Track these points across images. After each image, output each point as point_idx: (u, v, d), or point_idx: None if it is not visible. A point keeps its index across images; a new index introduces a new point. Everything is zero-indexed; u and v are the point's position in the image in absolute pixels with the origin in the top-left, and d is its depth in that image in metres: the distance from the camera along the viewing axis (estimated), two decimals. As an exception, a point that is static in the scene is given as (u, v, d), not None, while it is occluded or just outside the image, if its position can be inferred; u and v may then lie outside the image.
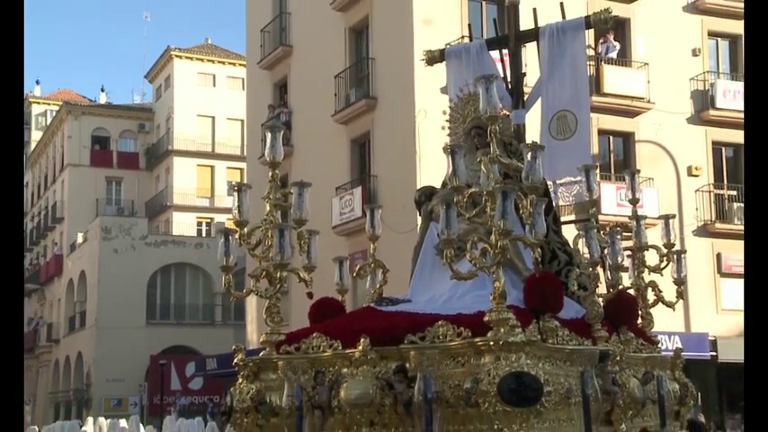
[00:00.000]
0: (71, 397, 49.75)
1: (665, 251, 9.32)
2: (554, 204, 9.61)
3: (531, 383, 6.18)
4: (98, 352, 45.85)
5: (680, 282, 9.36)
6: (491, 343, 6.33)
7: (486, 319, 6.43)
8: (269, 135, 8.09)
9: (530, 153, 6.63)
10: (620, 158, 28.07)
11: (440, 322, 6.76)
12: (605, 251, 8.68)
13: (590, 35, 23.15)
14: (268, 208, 7.96)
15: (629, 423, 7.94)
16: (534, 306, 7.09)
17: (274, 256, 7.66)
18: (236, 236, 7.80)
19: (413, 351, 6.55)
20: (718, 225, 28.60)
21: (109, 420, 29.89)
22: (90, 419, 32.95)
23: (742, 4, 29.49)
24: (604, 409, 7.62)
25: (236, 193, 8.07)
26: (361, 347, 6.79)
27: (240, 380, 7.63)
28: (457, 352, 6.58)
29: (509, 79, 10.00)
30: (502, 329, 6.33)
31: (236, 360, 7.72)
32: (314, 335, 7.45)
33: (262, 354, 7.68)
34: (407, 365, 6.53)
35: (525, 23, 10.12)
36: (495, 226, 6.31)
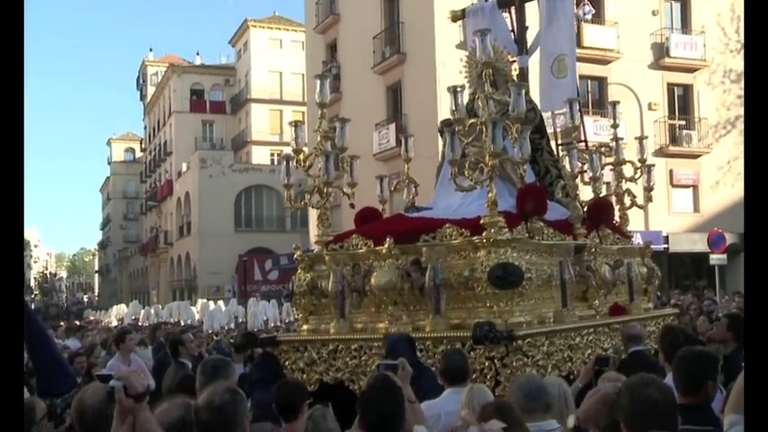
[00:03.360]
0: (183, 284, 50.64)
1: (638, 165, 9.18)
2: (553, 130, 9.42)
3: (514, 271, 6.04)
4: (201, 252, 46.55)
5: (649, 188, 9.28)
6: (484, 240, 6.19)
7: (481, 222, 6.28)
8: (318, 82, 7.98)
9: (515, 90, 6.37)
10: (596, 98, 27.67)
11: (447, 225, 6.61)
12: (585, 166, 8.51)
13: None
14: (318, 138, 7.83)
15: (603, 299, 7.85)
16: (523, 211, 6.93)
17: (322, 175, 7.55)
18: (294, 161, 7.68)
19: (425, 248, 6.44)
20: (671, 148, 28.44)
21: (210, 301, 30.48)
22: (199, 301, 33.64)
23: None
24: (580, 289, 7.51)
25: (293, 129, 7.97)
26: (387, 245, 6.68)
27: (299, 270, 7.58)
28: (459, 248, 6.44)
29: (515, 32, 9.68)
30: (492, 230, 6.18)
31: (295, 255, 7.67)
32: (353, 236, 7.36)
33: (315, 251, 7.61)
34: (421, 259, 6.43)
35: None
36: (488, 148, 6.11)
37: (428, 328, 6.31)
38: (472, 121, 6.42)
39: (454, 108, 6.37)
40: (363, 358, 6.57)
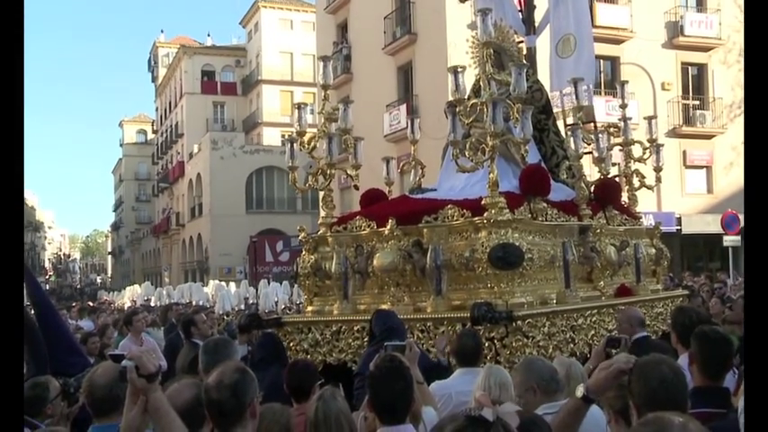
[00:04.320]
0: (195, 266, 50.87)
1: (647, 145, 9.12)
2: (561, 110, 9.35)
3: (514, 251, 6.03)
4: (212, 233, 46.77)
5: (659, 169, 9.21)
6: (485, 221, 6.18)
7: (482, 202, 6.28)
8: (321, 64, 8.00)
9: (515, 70, 6.33)
10: (609, 78, 27.38)
11: (449, 206, 6.60)
12: (591, 146, 8.47)
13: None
14: (322, 120, 7.84)
15: (609, 280, 7.82)
16: (526, 192, 6.92)
17: (325, 157, 7.56)
18: (298, 143, 7.69)
19: (426, 229, 6.44)
20: (684, 128, 28.18)
21: (222, 283, 30.62)
22: (211, 282, 33.81)
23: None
24: (585, 270, 7.48)
25: (296, 110, 7.96)
26: (389, 227, 6.69)
27: (304, 252, 7.61)
28: (460, 229, 6.44)
29: (523, 12, 9.63)
30: (493, 210, 6.17)
31: (300, 237, 7.71)
32: (357, 218, 7.37)
33: (319, 232, 7.64)
34: (423, 240, 6.44)
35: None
36: (488, 129, 6.09)
37: (429, 309, 6.33)
38: (473, 101, 6.41)
39: (455, 88, 6.36)
40: (366, 339, 6.59)
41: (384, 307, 6.64)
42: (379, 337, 5.39)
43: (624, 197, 9.01)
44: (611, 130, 9.19)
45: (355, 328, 6.74)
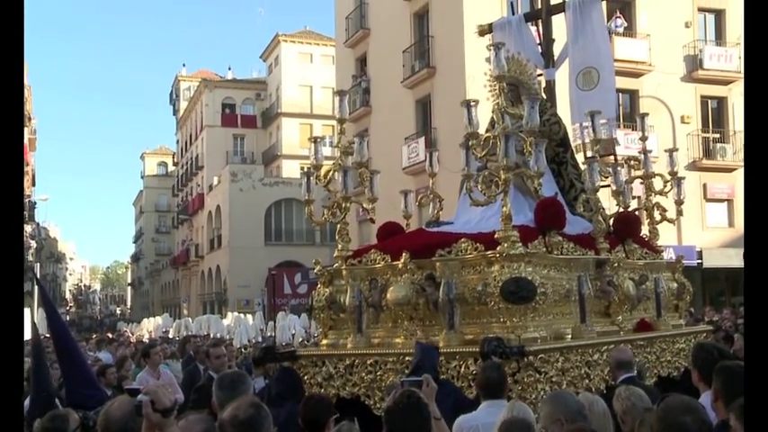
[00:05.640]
0: (213, 297, 50.95)
1: (668, 178, 9.11)
2: (581, 143, 9.34)
3: (527, 286, 6.00)
4: (231, 265, 46.87)
5: (680, 202, 9.17)
6: (497, 255, 6.17)
7: (495, 236, 6.27)
8: (337, 99, 8.06)
9: (528, 103, 6.36)
10: (627, 111, 27.36)
11: (462, 239, 6.59)
12: (608, 179, 8.44)
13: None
14: (338, 153, 7.88)
15: (628, 315, 7.73)
16: (540, 225, 6.90)
17: (340, 190, 7.60)
18: (314, 176, 7.74)
19: (439, 262, 6.44)
20: (704, 161, 28.09)
21: (240, 315, 30.64)
22: (229, 314, 33.85)
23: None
24: (602, 304, 7.40)
25: (313, 144, 8.02)
26: (402, 260, 6.69)
27: (319, 285, 7.62)
28: (473, 262, 6.43)
29: (541, 45, 9.68)
30: (506, 244, 6.16)
31: (315, 270, 7.71)
32: (371, 251, 7.37)
33: (335, 265, 7.64)
34: (436, 274, 6.43)
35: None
36: (500, 162, 6.11)
37: (442, 344, 6.28)
38: (486, 134, 6.44)
39: (468, 122, 6.39)
40: (379, 373, 6.57)
41: (398, 341, 6.64)
42: (408, 373, 5.39)
43: (645, 231, 8.95)
44: (632, 162, 9.16)
45: (368, 362, 6.70)
